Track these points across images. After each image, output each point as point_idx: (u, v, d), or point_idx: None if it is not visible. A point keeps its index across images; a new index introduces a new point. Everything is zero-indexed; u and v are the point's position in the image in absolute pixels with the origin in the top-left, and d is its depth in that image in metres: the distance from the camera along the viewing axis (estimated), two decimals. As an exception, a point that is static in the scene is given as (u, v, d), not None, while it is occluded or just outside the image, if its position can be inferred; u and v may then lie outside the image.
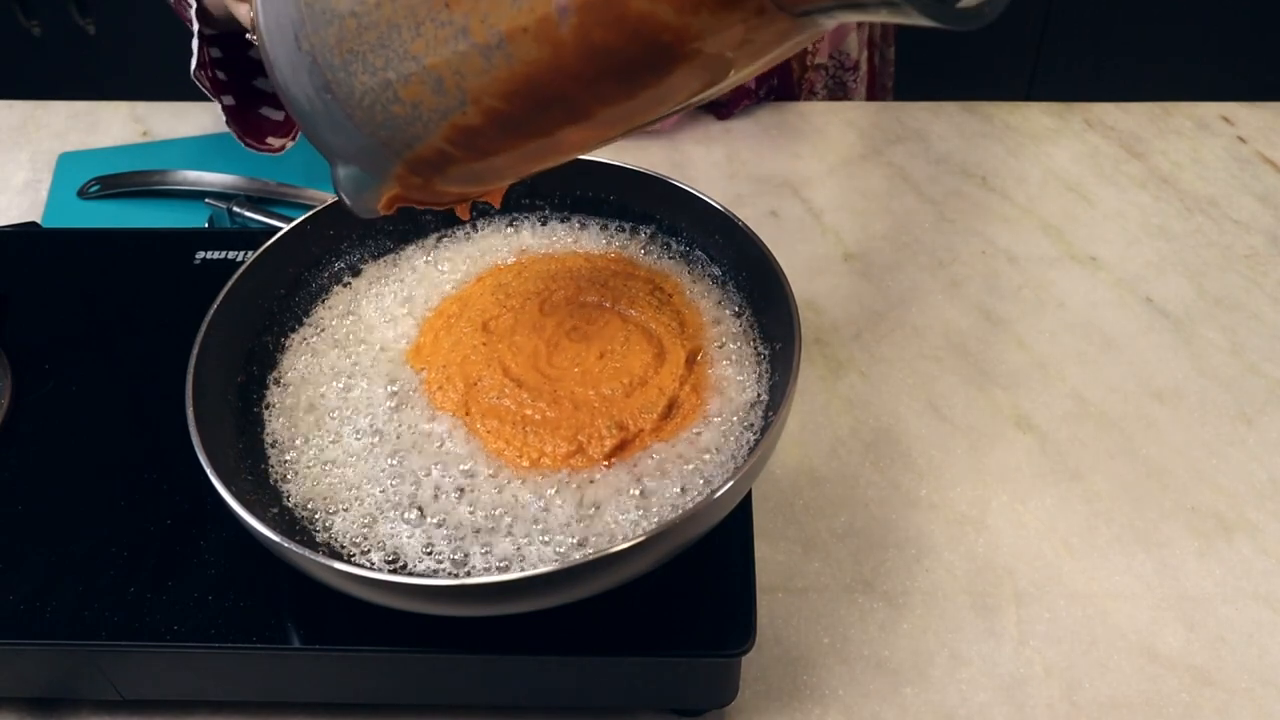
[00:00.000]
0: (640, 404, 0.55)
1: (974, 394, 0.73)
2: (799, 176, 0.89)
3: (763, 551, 0.64)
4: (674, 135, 0.93)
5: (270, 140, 0.79)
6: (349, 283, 0.63)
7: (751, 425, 0.55)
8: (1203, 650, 0.60)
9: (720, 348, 0.58)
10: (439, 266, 0.64)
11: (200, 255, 0.70)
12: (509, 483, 0.53)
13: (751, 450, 0.53)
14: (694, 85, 0.39)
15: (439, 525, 0.51)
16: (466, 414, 0.55)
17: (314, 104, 0.41)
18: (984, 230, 0.85)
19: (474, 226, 0.66)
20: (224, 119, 0.77)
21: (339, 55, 0.39)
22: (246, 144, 0.78)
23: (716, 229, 0.61)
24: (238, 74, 0.78)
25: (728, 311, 0.60)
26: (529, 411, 0.54)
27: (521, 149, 0.41)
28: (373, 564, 0.50)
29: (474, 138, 0.40)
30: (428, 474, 0.53)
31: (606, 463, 0.53)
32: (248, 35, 0.69)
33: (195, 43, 0.73)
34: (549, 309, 0.59)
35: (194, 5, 0.72)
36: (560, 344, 0.58)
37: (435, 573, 0.50)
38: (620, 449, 0.53)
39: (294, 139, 0.80)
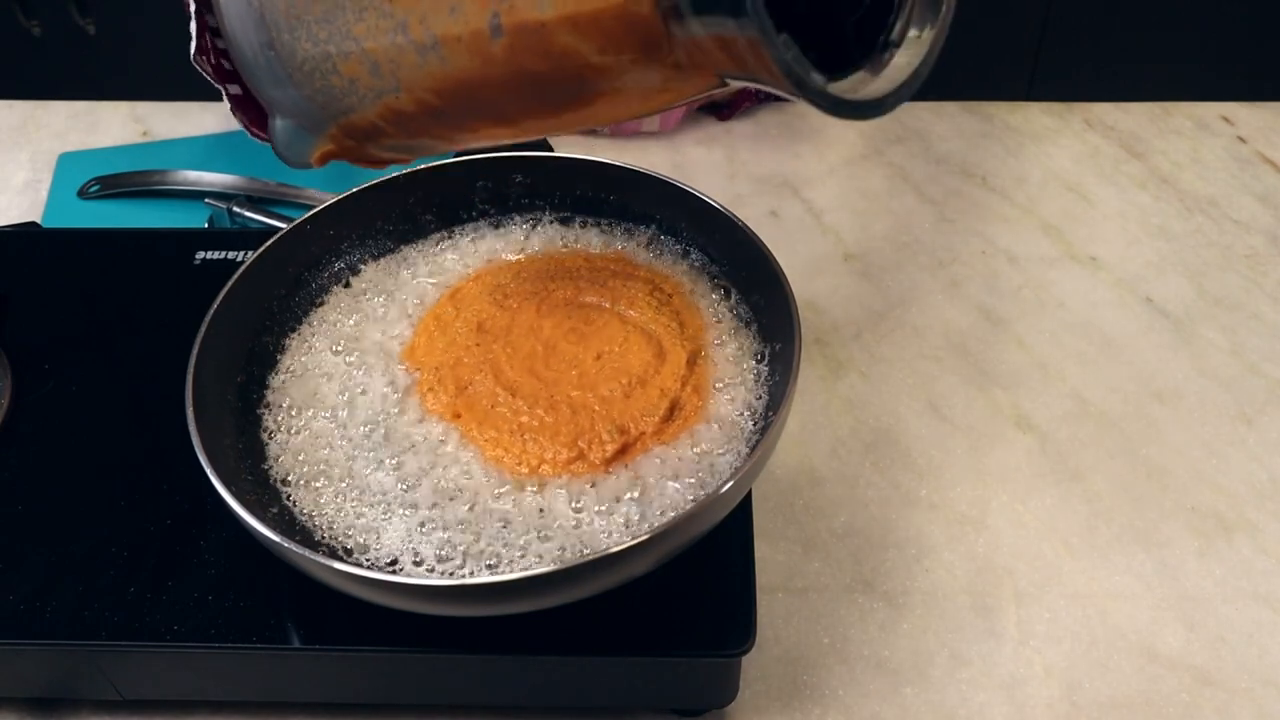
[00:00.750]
0: (642, 406, 0.55)
1: (974, 394, 0.73)
2: (799, 176, 0.89)
3: (763, 551, 0.64)
4: (674, 135, 0.93)
5: None
6: (349, 283, 0.63)
7: (752, 425, 0.55)
8: (1203, 650, 0.60)
9: (720, 348, 0.58)
10: (439, 266, 0.64)
11: (200, 255, 0.70)
12: (507, 489, 0.52)
13: (751, 450, 0.52)
14: (614, 113, 0.41)
15: (439, 527, 0.51)
16: (458, 418, 0.55)
17: (257, 57, 0.42)
18: (984, 230, 0.85)
19: (473, 227, 0.66)
20: (229, 108, 0.75)
21: (286, 18, 0.40)
22: (253, 134, 0.77)
23: (716, 229, 0.61)
24: None
25: (728, 312, 0.60)
26: (525, 418, 0.54)
27: (450, 135, 0.43)
28: (373, 564, 0.50)
29: (406, 120, 0.42)
30: (426, 476, 0.53)
31: (607, 467, 0.53)
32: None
33: (194, 25, 0.72)
34: (546, 310, 0.59)
35: None
36: (558, 346, 0.57)
37: (435, 573, 0.50)
38: (621, 453, 0.53)
39: None
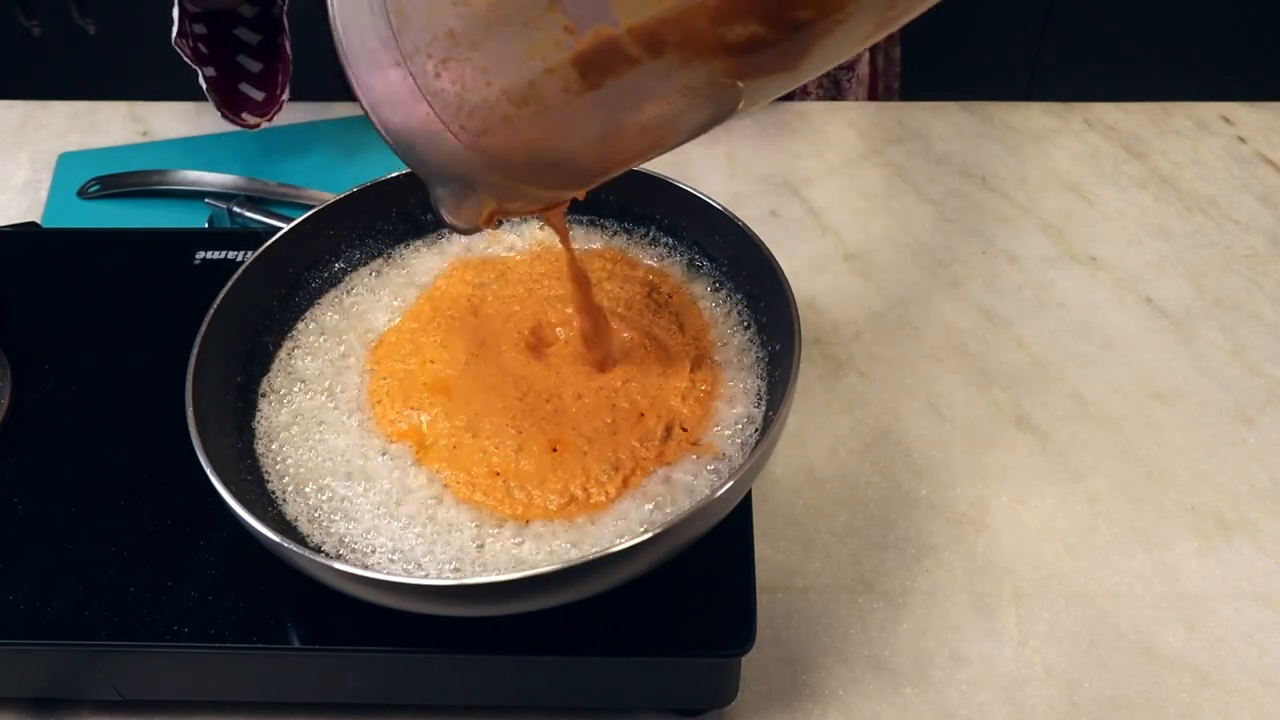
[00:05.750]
0: (639, 434, 0.53)
1: (974, 394, 0.73)
2: (799, 176, 0.89)
3: (763, 551, 0.64)
4: (674, 135, 0.93)
5: (246, 116, 0.80)
6: (349, 283, 0.63)
7: (751, 426, 0.55)
8: (1203, 650, 0.60)
9: (720, 349, 0.58)
10: (436, 267, 0.64)
11: (200, 255, 0.70)
12: (488, 522, 0.51)
13: (751, 450, 0.52)
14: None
15: (434, 538, 0.51)
16: (420, 448, 0.54)
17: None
18: (984, 230, 0.85)
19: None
20: (204, 87, 0.78)
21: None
22: (224, 114, 0.79)
23: (716, 229, 0.61)
24: (220, 49, 0.79)
25: (727, 312, 0.60)
26: (496, 460, 0.52)
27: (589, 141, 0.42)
28: (372, 564, 0.50)
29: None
30: (408, 490, 0.53)
31: (610, 505, 0.51)
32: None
33: (175, 11, 0.74)
34: (530, 319, 0.58)
35: None
36: (536, 367, 0.56)
37: (434, 573, 0.50)
38: (623, 486, 0.52)
39: (269, 119, 0.80)
